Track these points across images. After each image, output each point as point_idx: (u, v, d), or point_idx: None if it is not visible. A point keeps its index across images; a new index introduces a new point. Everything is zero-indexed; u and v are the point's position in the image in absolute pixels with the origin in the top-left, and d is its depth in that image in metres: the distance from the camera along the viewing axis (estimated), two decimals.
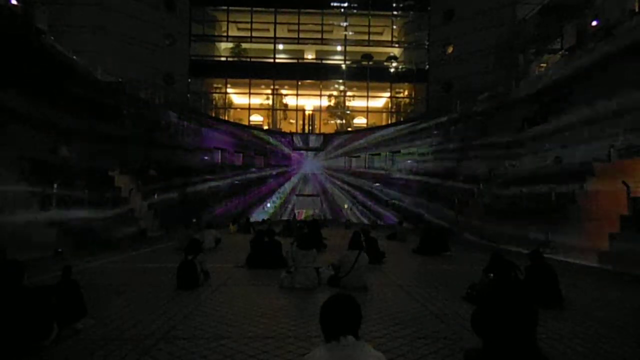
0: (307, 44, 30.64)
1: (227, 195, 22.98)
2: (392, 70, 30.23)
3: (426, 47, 28.13)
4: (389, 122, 29.96)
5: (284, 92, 31.05)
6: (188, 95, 27.06)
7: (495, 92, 19.10)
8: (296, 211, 26.92)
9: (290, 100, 30.83)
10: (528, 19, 21.94)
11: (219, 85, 30.51)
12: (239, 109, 30.89)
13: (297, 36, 29.64)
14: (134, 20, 23.18)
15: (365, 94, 29.47)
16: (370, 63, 29.63)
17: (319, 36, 29.70)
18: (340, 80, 30.18)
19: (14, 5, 14.95)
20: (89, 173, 12.00)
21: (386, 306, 5.04)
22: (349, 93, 30.61)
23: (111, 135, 14.23)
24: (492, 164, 15.66)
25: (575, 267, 8.35)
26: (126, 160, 15.07)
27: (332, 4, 29.37)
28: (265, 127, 30.07)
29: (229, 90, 30.45)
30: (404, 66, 30.15)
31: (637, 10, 15.56)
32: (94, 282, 6.05)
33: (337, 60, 30.19)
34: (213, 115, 28.19)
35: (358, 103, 30.81)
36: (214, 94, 30.64)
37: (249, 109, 30.00)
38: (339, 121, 31.41)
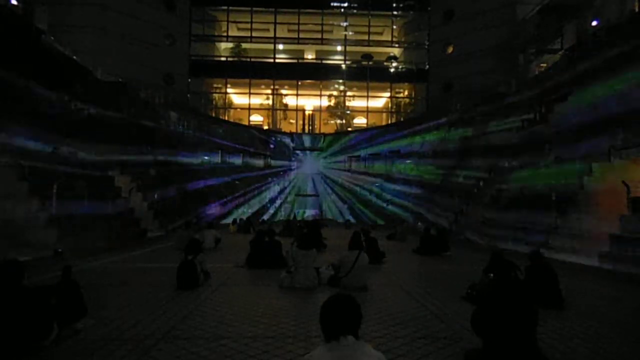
0: (307, 44, 30.63)
1: (226, 195, 22.96)
2: (392, 70, 30.23)
3: (426, 47, 28.13)
4: (389, 122, 29.98)
5: (284, 92, 31.05)
6: (188, 95, 27.07)
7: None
8: (296, 211, 26.91)
9: (290, 100, 30.82)
10: (528, 19, 21.95)
11: (219, 85, 30.51)
12: (239, 109, 30.89)
13: (297, 36, 29.64)
14: (134, 20, 23.19)
15: (365, 94, 29.46)
16: (370, 63, 29.63)
17: (319, 36, 29.70)
18: (340, 80, 30.18)
19: (14, 5, 14.95)
20: None
21: (386, 306, 5.04)
22: (349, 93, 30.60)
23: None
24: None
25: (575, 267, 8.34)
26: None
27: (332, 4, 29.37)
28: (265, 127, 30.07)
29: (229, 90, 30.45)
30: (404, 66, 30.15)
31: (637, 10, 15.58)
32: (94, 282, 6.04)
33: (337, 60, 30.19)
34: (213, 115, 28.20)
35: (358, 103, 30.80)
36: (214, 94, 30.64)
37: (249, 109, 29.99)
38: (339, 121, 31.41)
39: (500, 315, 2.69)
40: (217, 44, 30.22)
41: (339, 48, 30.31)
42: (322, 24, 29.40)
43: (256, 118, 31.13)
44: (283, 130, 29.44)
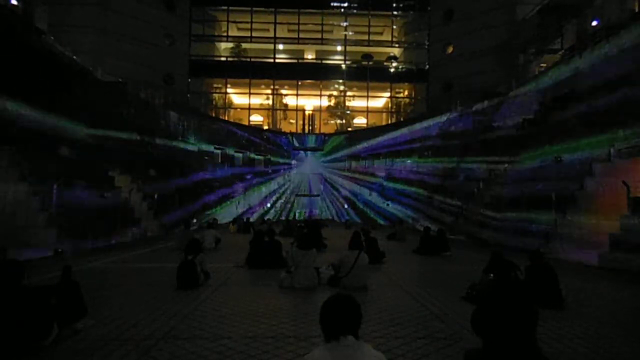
0: (307, 44, 30.64)
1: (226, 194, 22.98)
2: (392, 70, 30.23)
3: (426, 47, 28.13)
4: (389, 122, 29.96)
5: (284, 92, 31.04)
6: (188, 95, 27.07)
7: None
8: (296, 211, 26.90)
9: (290, 100, 30.82)
10: (528, 19, 21.94)
11: (219, 85, 30.50)
12: (239, 109, 30.89)
13: (297, 36, 29.64)
14: (134, 20, 23.19)
15: (365, 94, 29.46)
16: (370, 63, 29.63)
17: (319, 36, 29.70)
18: (340, 80, 30.18)
19: (13, 5, 14.96)
20: None
21: (386, 306, 5.04)
22: (349, 93, 30.60)
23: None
24: None
25: (575, 267, 8.34)
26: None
27: (332, 4, 29.37)
28: (265, 127, 30.06)
29: (229, 90, 30.45)
30: (404, 66, 30.15)
31: (637, 10, 15.57)
32: (94, 282, 6.04)
33: (337, 60, 30.18)
34: (213, 115, 28.19)
35: (358, 103, 30.80)
36: (214, 94, 30.64)
37: (249, 109, 29.99)
38: (339, 121, 31.41)
39: (500, 315, 2.68)
40: (217, 44, 30.22)
41: (339, 48, 30.32)
42: (322, 24, 29.41)
43: (256, 118, 31.13)
44: (283, 130, 29.44)
